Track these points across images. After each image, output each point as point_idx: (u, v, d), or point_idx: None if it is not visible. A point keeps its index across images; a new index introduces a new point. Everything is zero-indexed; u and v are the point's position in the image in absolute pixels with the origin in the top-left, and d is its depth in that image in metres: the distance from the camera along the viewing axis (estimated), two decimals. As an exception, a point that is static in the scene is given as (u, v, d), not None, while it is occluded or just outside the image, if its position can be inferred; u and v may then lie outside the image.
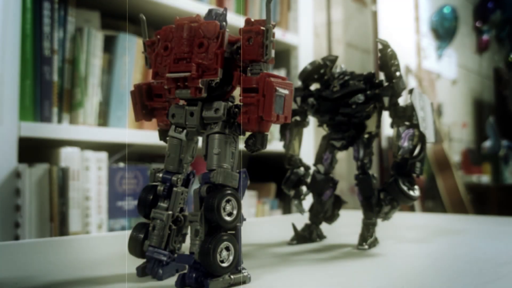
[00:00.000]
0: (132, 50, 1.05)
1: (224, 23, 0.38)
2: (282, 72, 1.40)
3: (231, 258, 0.34)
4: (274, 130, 1.32)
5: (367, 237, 0.50)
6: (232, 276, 0.35)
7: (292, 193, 0.55)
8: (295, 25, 1.43)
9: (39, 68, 0.90)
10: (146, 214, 0.39)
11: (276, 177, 1.44)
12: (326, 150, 0.53)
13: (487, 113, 3.42)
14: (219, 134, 0.36)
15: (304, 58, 1.44)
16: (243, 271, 0.35)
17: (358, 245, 0.50)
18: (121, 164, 1.03)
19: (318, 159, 0.54)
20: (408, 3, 2.57)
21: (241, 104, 0.35)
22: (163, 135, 0.41)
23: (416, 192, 0.49)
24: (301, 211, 0.56)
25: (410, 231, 0.65)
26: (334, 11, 1.99)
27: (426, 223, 0.78)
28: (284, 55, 1.44)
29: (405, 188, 0.48)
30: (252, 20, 0.37)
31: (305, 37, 1.45)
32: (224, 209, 0.35)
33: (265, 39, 0.35)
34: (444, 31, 2.76)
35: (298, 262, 0.45)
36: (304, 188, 0.55)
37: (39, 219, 0.87)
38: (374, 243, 0.50)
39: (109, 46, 1.02)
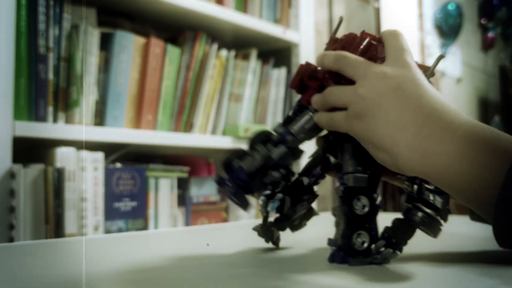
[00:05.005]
0: (129, 48, 1.03)
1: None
2: (282, 70, 1.38)
3: (366, 244, 0.41)
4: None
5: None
6: (368, 258, 0.41)
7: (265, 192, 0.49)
8: (296, 22, 1.41)
9: (34, 66, 0.88)
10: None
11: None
12: (318, 165, 0.47)
13: (492, 112, 3.39)
14: (352, 144, 0.41)
15: (305, 55, 1.42)
16: (386, 250, 0.40)
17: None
18: (118, 165, 1.01)
19: (306, 171, 0.48)
20: (412, 0, 2.54)
21: None
22: (300, 109, 0.45)
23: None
24: (263, 212, 0.48)
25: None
26: (335, 8, 1.97)
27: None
28: (285, 53, 1.42)
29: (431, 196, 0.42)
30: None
31: (306, 35, 1.43)
32: (356, 204, 0.41)
33: None
34: (448, 29, 2.73)
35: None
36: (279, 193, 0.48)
37: (34, 221, 0.85)
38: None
39: (106, 43, 1.01)
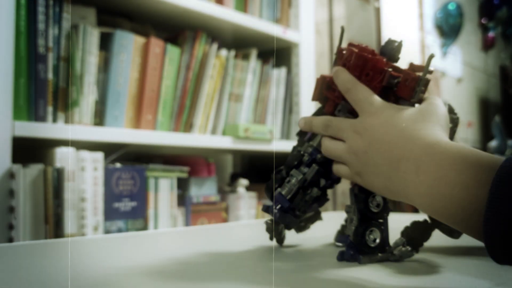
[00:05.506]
0: (129, 48, 1.03)
1: (397, 56, 0.47)
2: (283, 70, 1.37)
3: (377, 240, 0.43)
4: (274, 129, 1.30)
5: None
6: (379, 254, 0.43)
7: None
8: (296, 22, 1.41)
9: (33, 66, 0.88)
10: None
11: (277, 177, 1.42)
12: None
13: (493, 112, 3.39)
14: None
15: (306, 55, 1.42)
16: (403, 248, 0.44)
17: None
18: (118, 165, 1.01)
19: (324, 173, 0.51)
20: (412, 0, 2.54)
21: None
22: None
23: None
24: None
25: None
26: (336, 7, 1.97)
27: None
28: (285, 53, 1.42)
29: None
30: (415, 65, 0.46)
31: (306, 34, 1.43)
32: (371, 203, 0.44)
33: (417, 85, 0.43)
34: (449, 28, 2.72)
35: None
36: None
37: (34, 221, 0.85)
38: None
39: (105, 43, 1.00)
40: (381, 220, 0.44)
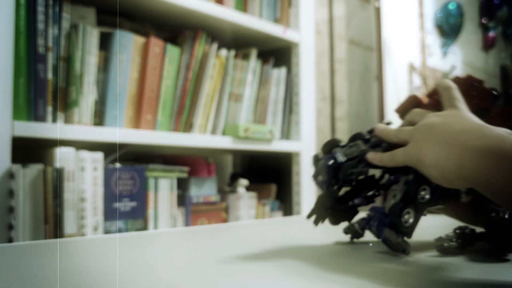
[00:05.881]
0: (128, 48, 1.03)
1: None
2: (282, 70, 1.37)
3: (410, 222, 0.44)
4: (274, 129, 1.30)
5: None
6: (400, 239, 0.44)
7: None
8: (296, 21, 1.40)
9: (33, 66, 0.88)
10: None
11: (276, 178, 1.42)
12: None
13: (493, 111, 3.38)
14: None
15: (306, 55, 1.42)
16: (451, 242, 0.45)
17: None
18: (118, 165, 1.01)
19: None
20: None
21: None
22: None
23: None
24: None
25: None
26: (336, 7, 1.97)
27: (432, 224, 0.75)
28: (285, 52, 1.41)
29: None
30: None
31: (306, 34, 1.43)
32: (420, 192, 0.45)
33: (509, 120, 0.48)
34: (449, 28, 2.72)
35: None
36: None
37: (33, 221, 0.85)
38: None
39: (105, 43, 1.00)
40: (420, 209, 0.45)
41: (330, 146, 0.50)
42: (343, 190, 0.50)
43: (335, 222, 0.52)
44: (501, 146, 0.36)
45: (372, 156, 0.48)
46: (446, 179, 0.40)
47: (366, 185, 0.51)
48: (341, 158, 0.48)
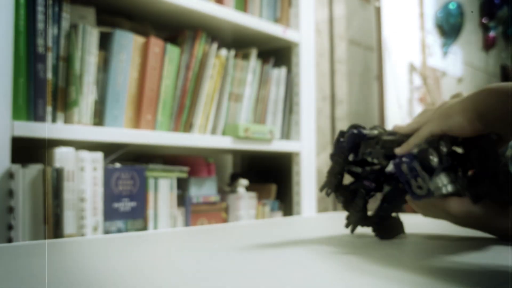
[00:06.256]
0: (128, 47, 1.02)
1: None
2: (282, 70, 1.37)
3: (435, 160, 0.45)
4: (274, 129, 1.29)
5: None
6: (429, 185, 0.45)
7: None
8: (296, 21, 1.40)
9: (32, 66, 0.88)
10: None
11: (276, 178, 1.41)
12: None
13: (493, 111, 3.38)
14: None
15: (306, 55, 1.42)
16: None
17: None
18: (117, 165, 1.01)
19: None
20: (413, -1, 2.53)
21: None
22: None
23: None
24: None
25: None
26: (336, 7, 1.96)
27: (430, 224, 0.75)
28: (285, 53, 1.41)
29: None
30: None
31: (306, 34, 1.42)
32: (440, 145, 0.47)
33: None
34: (449, 28, 2.72)
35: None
36: None
37: (33, 221, 0.85)
38: None
39: (105, 43, 1.00)
40: (445, 165, 0.46)
41: (354, 126, 0.54)
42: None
43: (345, 203, 0.54)
44: (505, 86, 0.45)
45: (400, 149, 0.50)
46: (469, 120, 0.46)
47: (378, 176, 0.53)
48: (366, 131, 0.52)
